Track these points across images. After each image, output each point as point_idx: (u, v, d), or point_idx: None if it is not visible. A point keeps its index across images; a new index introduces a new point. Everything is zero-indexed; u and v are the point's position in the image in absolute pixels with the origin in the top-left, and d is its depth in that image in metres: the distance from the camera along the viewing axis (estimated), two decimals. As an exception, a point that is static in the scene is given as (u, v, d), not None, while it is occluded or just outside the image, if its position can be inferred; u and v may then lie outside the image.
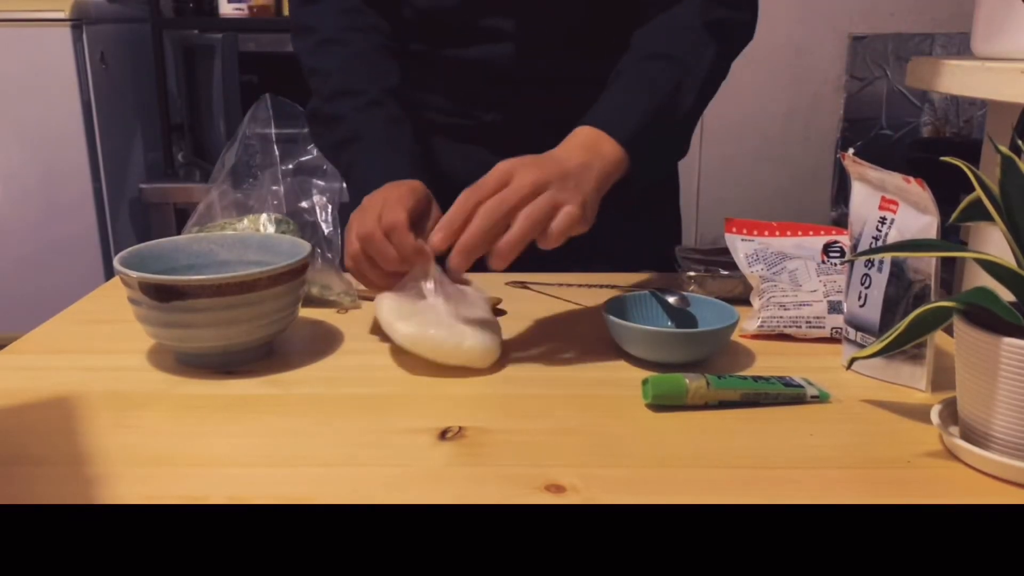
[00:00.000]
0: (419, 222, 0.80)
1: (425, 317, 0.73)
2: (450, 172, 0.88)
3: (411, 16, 1.00)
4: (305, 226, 0.91)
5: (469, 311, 0.76)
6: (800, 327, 0.79)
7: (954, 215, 0.60)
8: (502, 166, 0.74)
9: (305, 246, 0.76)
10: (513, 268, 0.89)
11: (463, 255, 0.70)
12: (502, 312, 0.87)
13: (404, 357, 0.75)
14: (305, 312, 0.85)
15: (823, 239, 0.85)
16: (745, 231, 0.87)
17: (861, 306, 0.71)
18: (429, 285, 0.76)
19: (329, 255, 0.90)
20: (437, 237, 0.71)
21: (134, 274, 0.68)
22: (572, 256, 1.00)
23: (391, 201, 0.78)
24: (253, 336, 0.72)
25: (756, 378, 0.67)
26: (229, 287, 0.68)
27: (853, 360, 0.65)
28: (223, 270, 0.78)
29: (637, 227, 1.05)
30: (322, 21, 0.98)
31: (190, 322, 0.69)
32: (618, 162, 0.79)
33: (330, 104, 0.95)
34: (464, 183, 0.74)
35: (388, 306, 0.75)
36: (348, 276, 0.89)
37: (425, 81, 1.03)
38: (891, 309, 0.69)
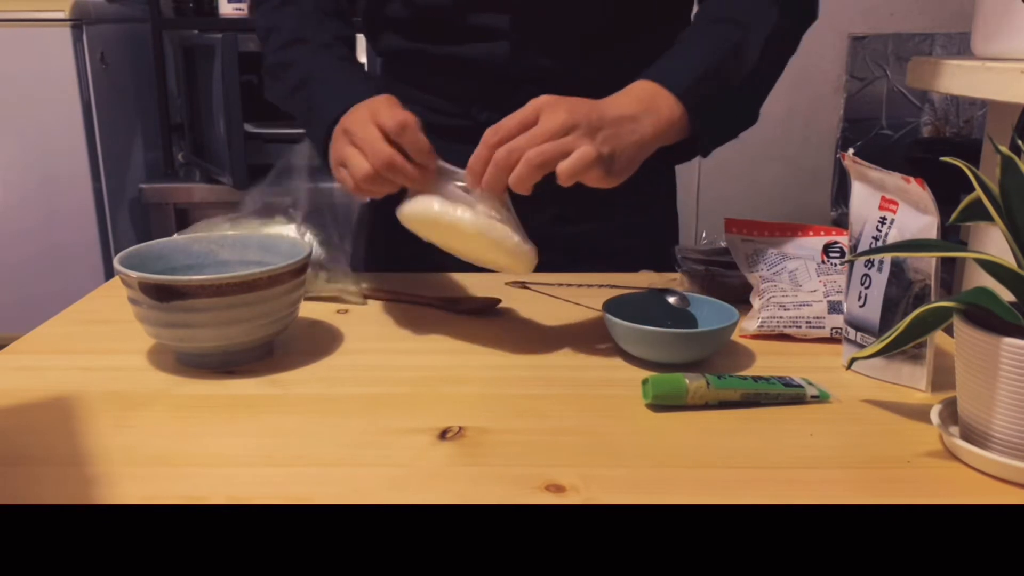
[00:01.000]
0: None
1: (478, 208, 0.71)
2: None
3: (403, 14, 1.00)
4: (324, 226, 0.91)
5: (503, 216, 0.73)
6: (800, 327, 0.79)
7: (954, 215, 0.60)
8: (534, 103, 0.72)
9: (304, 247, 0.76)
10: (573, 268, 0.89)
11: (486, 198, 0.71)
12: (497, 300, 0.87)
13: (404, 357, 0.75)
14: (305, 312, 0.85)
15: (823, 239, 0.85)
16: (745, 231, 0.87)
17: (861, 306, 0.71)
18: (459, 184, 0.73)
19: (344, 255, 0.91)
20: (472, 183, 0.72)
21: (134, 274, 0.68)
22: (571, 256, 1.00)
23: (381, 107, 0.77)
24: (253, 336, 0.72)
25: (756, 378, 0.67)
26: (229, 287, 0.68)
27: (853, 360, 0.65)
28: (223, 270, 0.78)
29: (633, 226, 1.05)
30: None
31: (190, 322, 0.69)
32: (674, 121, 0.77)
33: (282, 52, 0.96)
34: None
35: (427, 200, 0.73)
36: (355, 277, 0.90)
37: (418, 80, 1.03)
38: (891, 309, 0.69)
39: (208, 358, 0.72)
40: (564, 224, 1.01)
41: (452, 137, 1.03)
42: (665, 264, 0.98)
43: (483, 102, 1.00)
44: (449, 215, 0.72)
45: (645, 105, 0.76)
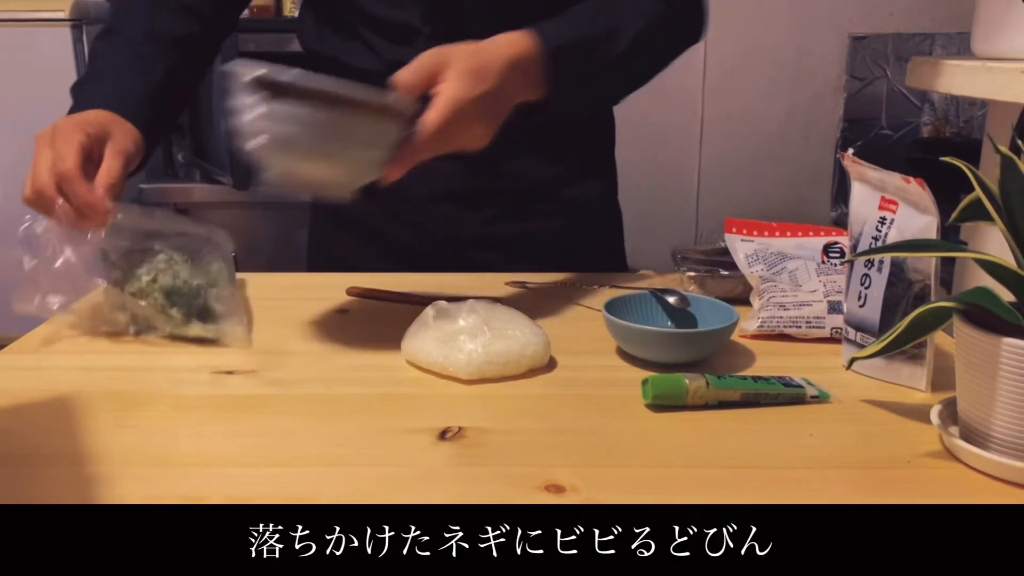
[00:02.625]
0: (96, 151, 0.79)
1: (475, 335, 0.71)
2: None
3: (324, 19, 0.99)
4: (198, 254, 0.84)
5: (500, 319, 0.74)
6: (800, 327, 0.79)
7: (954, 215, 0.60)
8: (434, 52, 0.74)
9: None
10: (512, 268, 0.90)
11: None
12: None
13: (404, 357, 0.75)
14: (303, 312, 0.85)
15: (823, 239, 0.85)
16: (745, 231, 0.87)
17: (861, 306, 0.71)
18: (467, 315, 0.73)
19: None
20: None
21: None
22: (512, 255, 1.00)
23: (62, 136, 0.77)
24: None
25: (756, 378, 0.67)
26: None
27: (853, 360, 0.65)
28: None
29: (578, 225, 1.05)
30: None
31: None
32: (536, 78, 0.80)
33: (92, 43, 0.95)
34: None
35: (422, 339, 0.72)
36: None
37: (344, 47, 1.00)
38: (891, 309, 0.69)
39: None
40: (504, 223, 1.02)
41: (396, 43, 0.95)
42: (617, 262, 0.98)
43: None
44: (443, 358, 0.71)
45: (515, 51, 0.78)
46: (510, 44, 0.78)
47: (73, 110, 0.86)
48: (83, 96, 0.88)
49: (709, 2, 0.95)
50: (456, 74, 0.73)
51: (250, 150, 0.67)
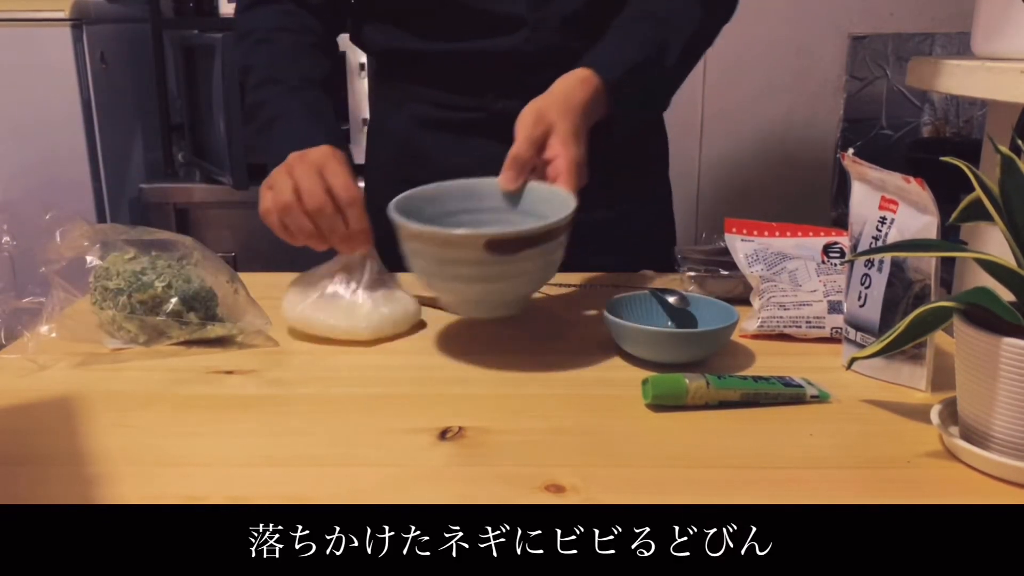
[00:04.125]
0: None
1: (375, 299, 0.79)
2: (455, 167, 0.87)
3: (399, 14, 1.01)
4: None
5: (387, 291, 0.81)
6: (800, 327, 0.79)
7: (954, 215, 0.60)
8: (535, 118, 0.81)
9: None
10: None
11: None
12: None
13: (404, 357, 0.75)
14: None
15: (823, 240, 0.85)
16: (745, 231, 0.87)
17: (861, 306, 0.71)
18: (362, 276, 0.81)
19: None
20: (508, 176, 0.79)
21: (483, 232, 0.68)
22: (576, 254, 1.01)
23: (333, 165, 0.82)
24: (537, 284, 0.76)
25: (756, 378, 0.67)
26: (543, 235, 0.69)
27: (853, 360, 0.65)
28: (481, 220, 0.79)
29: (633, 227, 1.05)
30: (257, 24, 1.01)
31: (523, 270, 0.70)
32: (602, 106, 0.87)
33: (254, 93, 0.98)
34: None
35: (315, 309, 0.79)
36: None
37: (421, 77, 1.03)
38: (891, 309, 0.69)
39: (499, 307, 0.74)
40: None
41: (464, 131, 1.02)
42: (663, 263, 0.99)
43: (498, 91, 0.99)
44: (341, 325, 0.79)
45: (588, 93, 0.85)
46: (583, 88, 0.85)
47: (276, 147, 0.89)
48: (289, 134, 0.91)
49: None
50: (562, 141, 0.79)
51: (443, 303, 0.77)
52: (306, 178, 0.80)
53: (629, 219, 1.06)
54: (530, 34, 0.97)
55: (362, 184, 1.09)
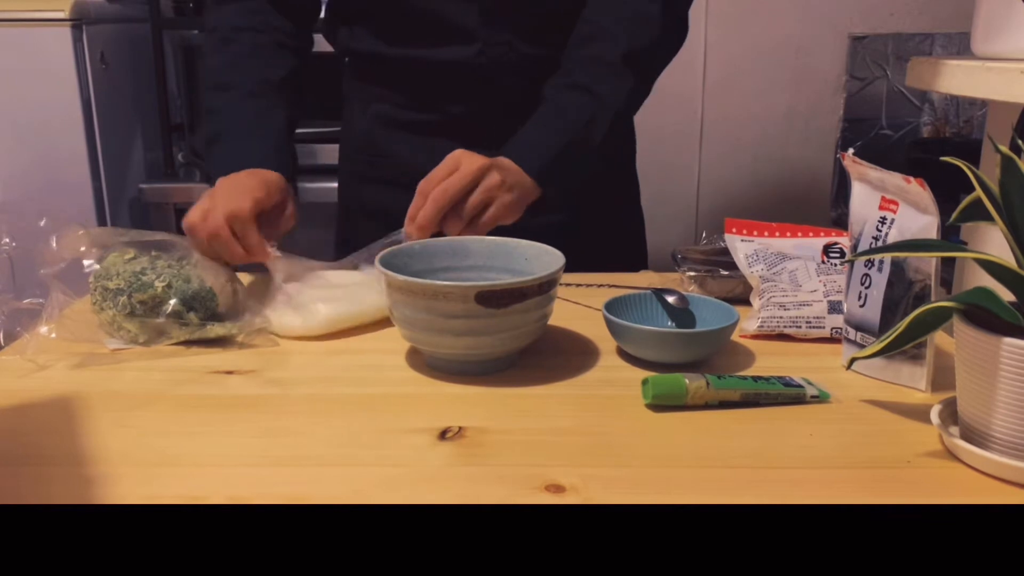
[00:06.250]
0: (271, 213, 0.87)
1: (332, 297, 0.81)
2: (415, 166, 0.91)
3: (362, 16, 1.02)
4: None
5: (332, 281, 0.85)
6: (800, 327, 0.79)
7: (954, 215, 0.60)
8: (452, 155, 0.86)
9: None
10: None
11: (420, 232, 0.84)
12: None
13: (404, 357, 0.75)
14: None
15: (823, 240, 0.85)
16: (745, 231, 0.87)
17: (861, 306, 0.71)
18: (290, 286, 0.83)
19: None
20: (409, 229, 0.84)
21: (469, 284, 0.68)
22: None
23: (239, 190, 0.84)
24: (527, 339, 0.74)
25: (756, 378, 0.67)
26: (533, 289, 0.69)
27: (853, 360, 0.65)
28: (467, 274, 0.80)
29: (599, 223, 1.08)
30: (222, 21, 1.02)
31: (516, 323, 0.70)
32: (532, 187, 0.91)
33: (209, 97, 0.99)
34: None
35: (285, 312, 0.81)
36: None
37: (386, 79, 1.04)
38: (891, 309, 0.69)
39: (482, 365, 0.72)
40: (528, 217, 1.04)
41: (423, 132, 1.04)
42: (638, 266, 1.01)
43: (454, 97, 1.02)
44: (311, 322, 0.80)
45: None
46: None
47: (216, 167, 0.92)
48: (226, 155, 0.94)
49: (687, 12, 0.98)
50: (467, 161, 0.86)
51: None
52: (217, 202, 0.83)
53: (595, 217, 1.08)
54: (482, 46, 0.99)
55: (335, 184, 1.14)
